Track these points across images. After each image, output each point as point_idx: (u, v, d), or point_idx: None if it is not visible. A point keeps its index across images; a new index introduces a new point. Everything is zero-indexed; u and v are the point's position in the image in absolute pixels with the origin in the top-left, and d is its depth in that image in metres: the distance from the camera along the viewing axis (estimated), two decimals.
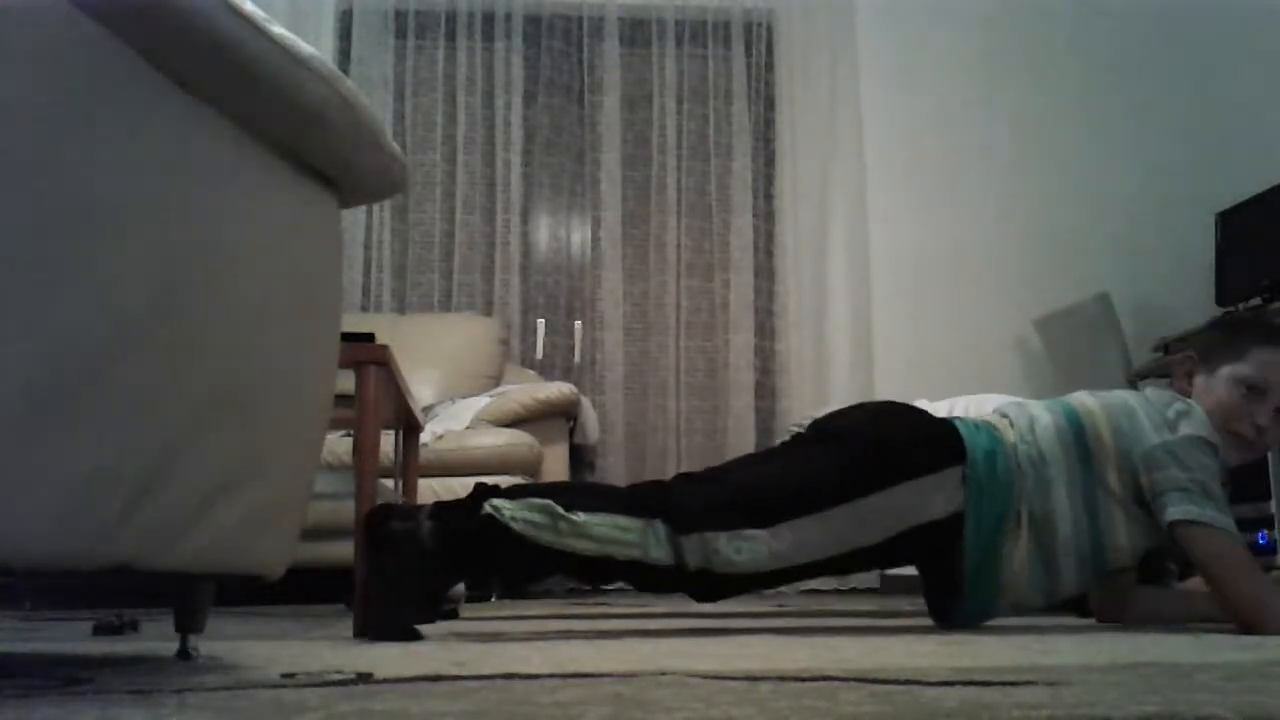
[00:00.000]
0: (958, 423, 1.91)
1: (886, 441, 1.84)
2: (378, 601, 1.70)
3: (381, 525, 1.71)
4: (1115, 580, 1.96)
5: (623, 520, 1.71)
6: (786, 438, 2.07)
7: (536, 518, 1.68)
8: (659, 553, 1.71)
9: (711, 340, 4.54)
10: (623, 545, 1.70)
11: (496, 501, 1.71)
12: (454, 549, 1.70)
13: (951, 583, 1.86)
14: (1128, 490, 1.84)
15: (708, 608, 2.87)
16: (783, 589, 4.25)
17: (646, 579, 1.76)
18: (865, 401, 1.99)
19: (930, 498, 1.80)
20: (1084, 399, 1.93)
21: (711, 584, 1.77)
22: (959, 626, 1.92)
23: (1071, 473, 1.84)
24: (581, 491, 1.81)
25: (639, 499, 1.77)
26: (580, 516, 1.69)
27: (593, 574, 1.76)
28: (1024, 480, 1.84)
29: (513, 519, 1.67)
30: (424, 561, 1.68)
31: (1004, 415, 1.95)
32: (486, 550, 1.71)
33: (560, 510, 1.69)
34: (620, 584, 1.84)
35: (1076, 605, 2.31)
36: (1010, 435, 1.89)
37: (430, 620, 1.74)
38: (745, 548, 1.73)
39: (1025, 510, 1.84)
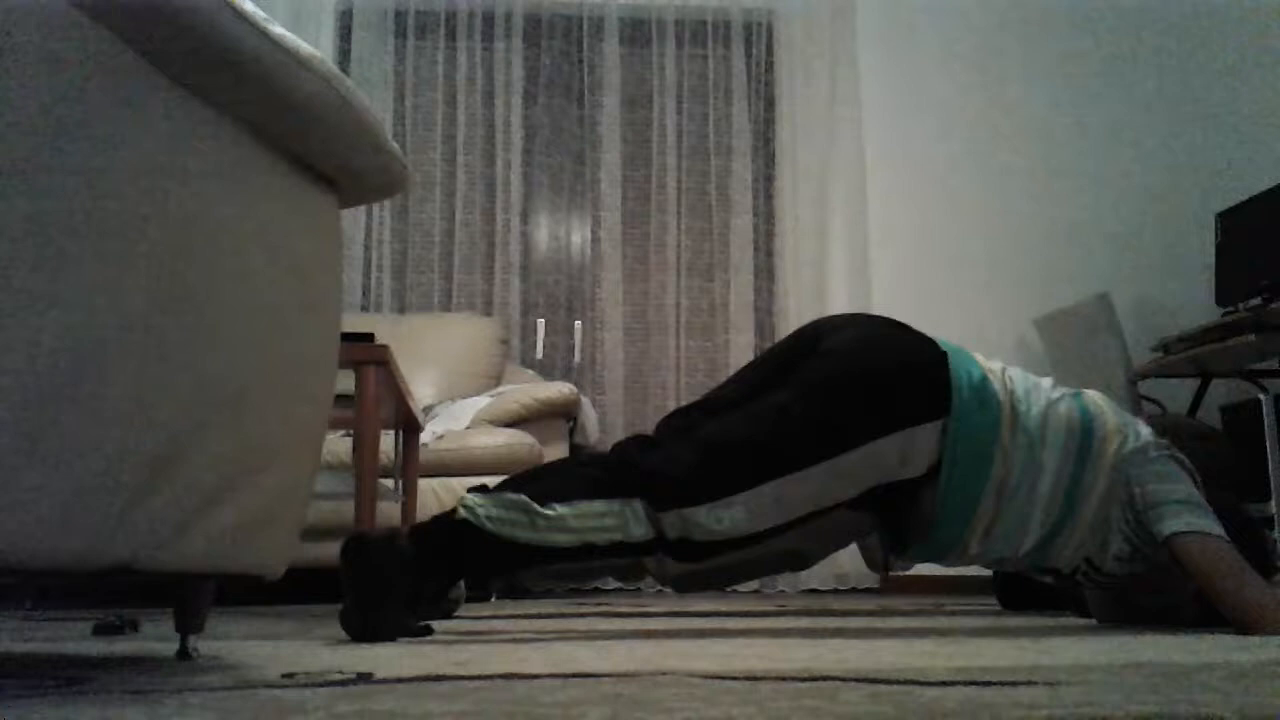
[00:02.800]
0: (950, 359, 1.87)
1: (870, 388, 1.80)
2: (356, 603, 1.64)
3: (359, 540, 1.67)
4: (1045, 579, 1.98)
5: (599, 506, 1.70)
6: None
7: (512, 515, 1.67)
8: (639, 530, 1.71)
9: (711, 340, 4.54)
10: (602, 531, 1.70)
11: (470, 501, 1.69)
12: (431, 551, 1.68)
13: (915, 524, 1.87)
14: (1113, 497, 1.87)
15: (707, 607, 2.87)
16: (784, 589, 4.26)
17: (627, 552, 1.75)
18: (850, 319, 1.94)
19: (912, 451, 1.79)
20: (1100, 404, 1.95)
21: (692, 549, 1.76)
22: (916, 559, 1.95)
23: (1063, 466, 1.86)
24: (555, 477, 1.76)
25: (614, 476, 1.74)
26: (555, 510, 1.68)
27: (575, 560, 1.73)
28: (1009, 454, 1.85)
29: (487, 518, 1.66)
30: (402, 564, 1.65)
31: (1009, 383, 1.92)
32: (464, 551, 1.70)
33: (535, 507, 1.67)
34: (599, 566, 1.82)
35: (1077, 605, 2.32)
36: (1008, 406, 1.87)
37: (410, 626, 1.69)
38: (725, 516, 1.73)
39: (1005, 478, 1.85)
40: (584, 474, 1.76)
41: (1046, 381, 1.97)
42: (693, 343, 4.53)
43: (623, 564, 1.80)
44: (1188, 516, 1.79)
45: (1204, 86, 4.68)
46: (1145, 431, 1.92)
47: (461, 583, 2.39)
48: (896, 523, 1.91)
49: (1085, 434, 1.88)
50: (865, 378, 1.82)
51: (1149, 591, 1.98)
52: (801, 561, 1.96)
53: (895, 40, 4.77)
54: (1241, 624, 1.72)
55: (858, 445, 1.77)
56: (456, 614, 2.33)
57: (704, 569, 1.82)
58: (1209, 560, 1.76)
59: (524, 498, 1.68)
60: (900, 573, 1.99)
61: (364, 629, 1.63)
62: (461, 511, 1.68)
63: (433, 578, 1.71)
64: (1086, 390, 1.99)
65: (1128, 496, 1.86)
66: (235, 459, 1.22)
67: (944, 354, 1.89)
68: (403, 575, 1.65)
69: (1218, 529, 1.78)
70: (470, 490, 1.76)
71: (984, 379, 1.89)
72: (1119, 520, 1.87)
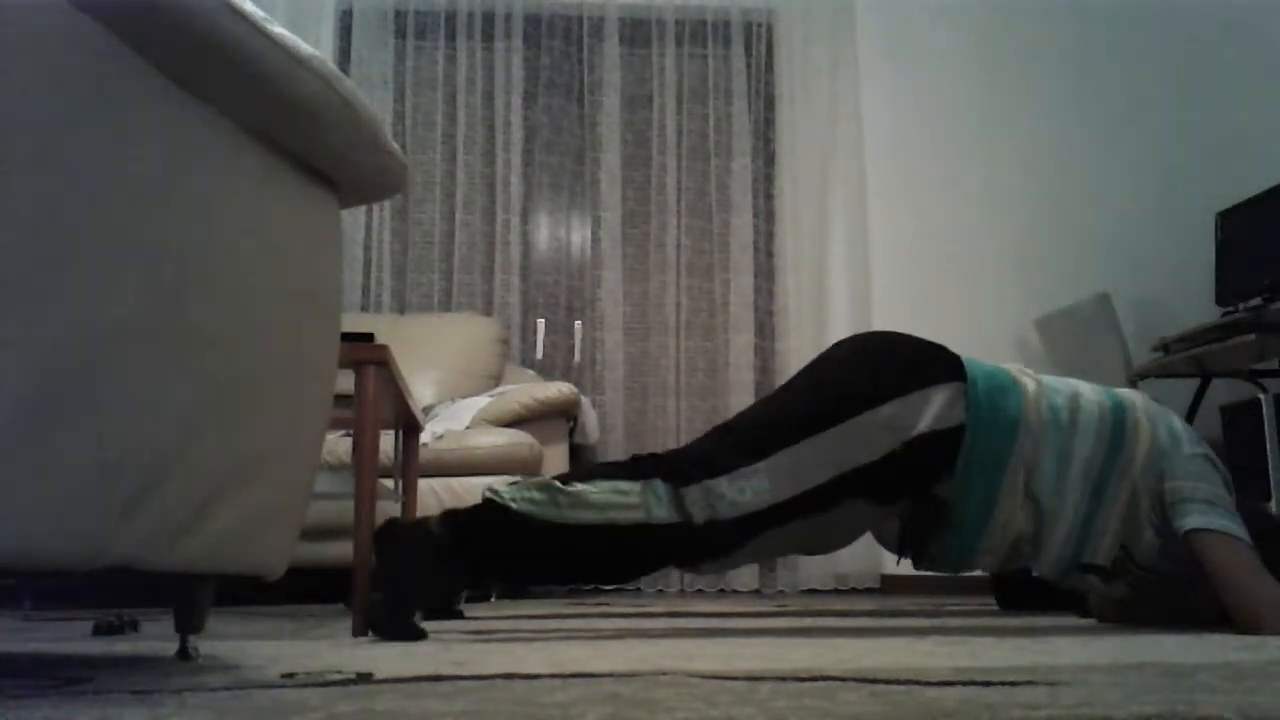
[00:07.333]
0: (963, 356, 1.92)
1: (880, 362, 1.85)
2: (386, 599, 1.68)
3: (392, 525, 1.72)
4: (1090, 580, 1.95)
5: (622, 484, 1.72)
6: None
7: (536, 495, 1.70)
8: (662, 511, 1.70)
9: (711, 340, 4.54)
10: (624, 509, 1.70)
11: (495, 485, 1.74)
12: (460, 539, 1.70)
13: (938, 513, 1.86)
14: (1146, 488, 1.86)
15: (707, 607, 2.87)
16: (784, 589, 4.26)
17: (653, 545, 1.73)
18: (859, 333, 2.01)
19: (924, 409, 1.80)
20: (1134, 397, 1.95)
21: (721, 534, 1.73)
22: (937, 565, 1.93)
23: (1095, 454, 1.86)
24: (580, 468, 1.83)
25: (636, 464, 1.78)
26: (578, 486, 1.70)
27: (600, 553, 1.73)
28: (1037, 433, 1.85)
29: (512, 500, 1.69)
30: (434, 554, 1.68)
31: (1037, 375, 1.95)
32: (491, 537, 1.71)
33: (558, 485, 1.70)
34: (631, 568, 1.81)
35: (1078, 605, 2.32)
36: (1031, 386, 1.89)
37: (434, 619, 1.73)
38: (748, 486, 1.73)
39: (1031, 466, 1.84)
40: (608, 463, 1.82)
41: (1075, 379, 1.99)
42: (693, 343, 4.53)
43: (649, 556, 1.77)
44: (1211, 515, 1.78)
45: (1204, 86, 4.68)
46: (1179, 425, 1.92)
47: (470, 583, 2.39)
48: (917, 513, 1.88)
49: (1117, 422, 1.88)
50: (878, 350, 1.88)
51: (1174, 594, 1.97)
52: (818, 546, 1.94)
53: (895, 40, 4.77)
54: (1247, 623, 1.71)
55: (874, 406, 1.79)
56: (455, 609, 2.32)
57: (735, 559, 1.80)
58: (1225, 558, 1.75)
59: (548, 479, 1.72)
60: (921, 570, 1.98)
61: (393, 627, 1.66)
62: (487, 493, 1.72)
63: (461, 564, 1.72)
64: (1123, 389, 1.99)
65: (1158, 489, 1.85)
66: (235, 459, 1.22)
67: (949, 349, 1.93)
68: (433, 560, 1.68)
69: (1241, 531, 1.78)
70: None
71: (1000, 368, 1.92)
72: (1147, 512, 1.86)
